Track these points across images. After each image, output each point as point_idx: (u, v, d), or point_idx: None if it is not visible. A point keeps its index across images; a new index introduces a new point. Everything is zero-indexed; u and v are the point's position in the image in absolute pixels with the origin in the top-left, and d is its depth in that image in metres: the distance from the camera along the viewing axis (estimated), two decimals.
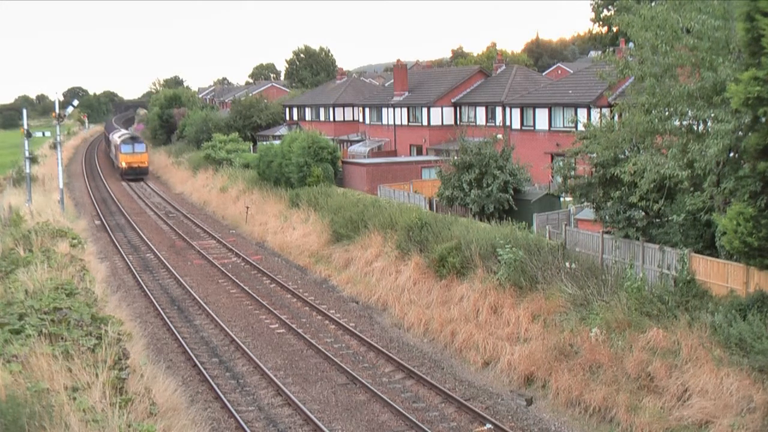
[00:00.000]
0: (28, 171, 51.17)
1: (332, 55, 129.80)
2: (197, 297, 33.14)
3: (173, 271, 38.22)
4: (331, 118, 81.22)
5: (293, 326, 28.67)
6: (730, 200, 22.20)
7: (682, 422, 18.14)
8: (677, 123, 24.42)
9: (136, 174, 80.00)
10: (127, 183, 77.84)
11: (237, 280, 35.80)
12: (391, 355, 25.39)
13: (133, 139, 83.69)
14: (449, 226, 31.96)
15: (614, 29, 67.09)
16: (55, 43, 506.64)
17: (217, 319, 29.78)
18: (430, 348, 26.49)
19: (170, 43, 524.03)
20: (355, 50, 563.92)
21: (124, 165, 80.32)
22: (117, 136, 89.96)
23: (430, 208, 41.03)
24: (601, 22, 74.34)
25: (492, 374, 23.64)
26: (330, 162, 51.49)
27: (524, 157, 42.98)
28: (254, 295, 33.13)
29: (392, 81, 74.21)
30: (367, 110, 74.05)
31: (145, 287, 35.07)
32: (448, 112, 64.25)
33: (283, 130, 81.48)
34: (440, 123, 64.18)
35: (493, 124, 57.64)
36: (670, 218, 24.59)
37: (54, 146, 60.52)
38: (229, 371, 24.59)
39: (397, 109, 68.34)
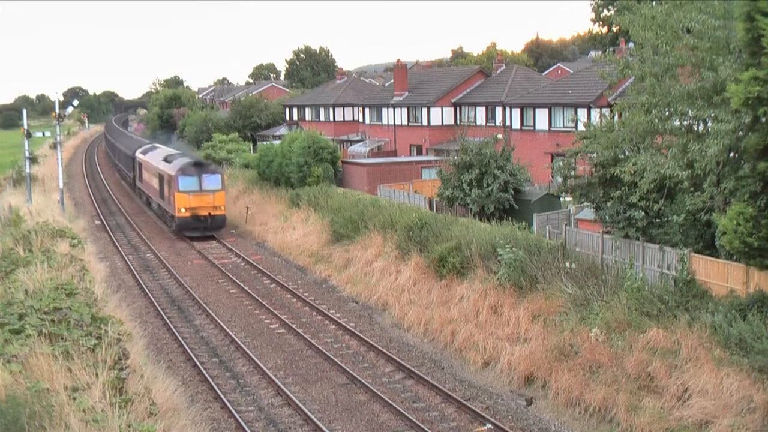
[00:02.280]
0: (28, 171, 51.20)
1: (332, 55, 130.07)
2: (197, 297, 33.13)
3: (173, 271, 38.21)
4: (331, 118, 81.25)
5: (293, 326, 28.66)
6: (730, 200, 22.19)
7: (682, 422, 18.13)
8: (677, 123, 24.43)
9: (206, 228, 45.96)
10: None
11: (237, 280, 35.79)
12: (391, 355, 25.38)
13: (199, 167, 46.68)
14: (449, 226, 31.96)
15: (614, 29, 67.20)
16: (55, 43, 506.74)
17: (217, 319, 29.78)
18: (430, 348, 26.48)
19: (170, 43, 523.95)
20: (355, 50, 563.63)
21: (183, 212, 45.37)
22: (161, 158, 52.69)
23: (430, 208, 41.03)
24: (601, 22, 74.47)
25: (492, 374, 23.64)
26: (330, 162, 51.51)
27: (524, 157, 43.01)
28: (254, 295, 33.12)
29: (392, 81, 74.25)
30: (367, 110, 74.06)
31: (145, 287, 35.06)
32: (448, 112, 64.27)
33: (283, 130, 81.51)
34: (440, 123, 64.20)
35: (493, 124, 57.65)
36: (670, 218, 24.59)
37: (54, 146, 60.54)
38: (229, 371, 24.58)
39: (397, 109, 68.35)
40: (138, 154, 62.20)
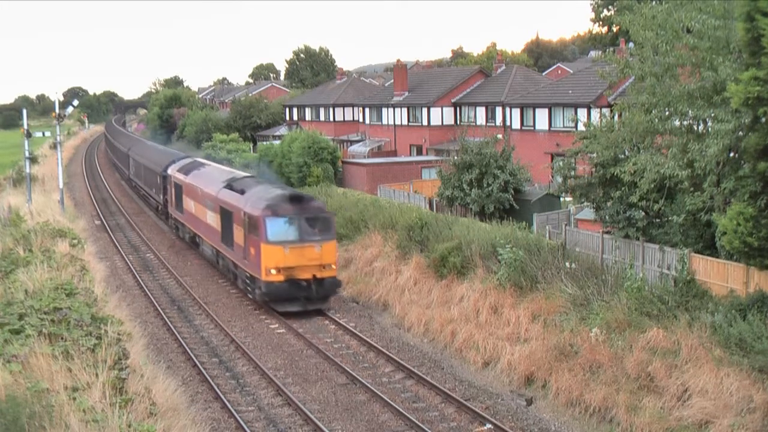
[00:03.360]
0: (28, 171, 51.14)
1: (332, 55, 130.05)
2: (197, 297, 33.11)
3: (173, 271, 38.20)
4: (331, 118, 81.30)
5: (293, 326, 28.65)
6: (730, 200, 22.22)
7: (682, 422, 18.13)
8: (677, 123, 24.47)
9: (309, 298, 29.77)
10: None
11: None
12: (391, 355, 25.38)
13: (298, 203, 30.45)
14: (450, 225, 31.99)
15: (614, 29, 67.28)
16: (55, 43, 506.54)
17: (216, 319, 29.77)
18: (430, 348, 26.48)
19: (170, 43, 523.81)
20: (355, 50, 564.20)
21: (274, 273, 29.27)
22: (222, 183, 36.19)
23: (430, 208, 41.06)
24: (601, 22, 74.60)
25: (492, 374, 23.63)
26: (330, 162, 51.60)
27: (524, 157, 43.04)
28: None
29: (392, 81, 74.31)
30: (367, 110, 74.10)
31: (144, 287, 35.05)
32: (448, 112, 64.32)
33: (283, 130, 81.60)
34: (440, 123, 64.26)
35: (493, 124, 57.71)
36: (670, 218, 24.62)
37: (54, 146, 60.51)
38: (229, 371, 24.58)
39: (397, 109, 68.39)
40: (174, 173, 45.32)
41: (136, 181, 64.57)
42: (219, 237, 35.15)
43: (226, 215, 33.60)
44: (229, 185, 35.12)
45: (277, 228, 29.32)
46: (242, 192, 32.95)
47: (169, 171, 47.15)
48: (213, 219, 36.00)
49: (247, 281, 31.53)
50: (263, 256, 29.22)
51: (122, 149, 77.17)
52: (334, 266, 29.99)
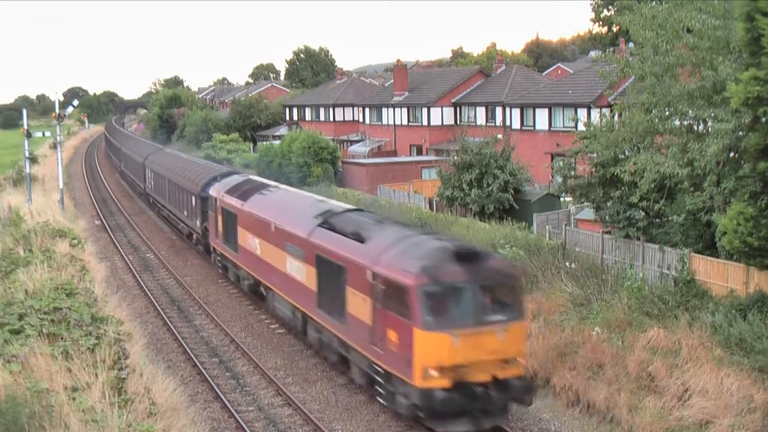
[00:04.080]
0: (28, 171, 51.15)
1: (332, 55, 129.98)
2: (197, 297, 33.10)
3: (173, 271, 38.18)
4: (331, 118, 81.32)
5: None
6: (730, 200, 22.22)
7: (683, 422, 18.13)
8: (677, 123, 24.48)
9: (487, 411, 18.27)
10: None
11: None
12: None
13: (470, 263, 18.34)
14: (449, 225, 31.98)
15: (614, 29, 67.28)
16: (55, 43, 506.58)
17: (216, 319, 29.76)
18: None
19: (170, 43, 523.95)
20: (355, 50, 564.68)
21: (434, 375, 17.73)
22: (314, 219, 24.28)
23: (430, 208, 41.06)
24: (601, 22, 74.60)
25: None
26: (330, 162, 51.63)
27: (524, 157, 43.06)
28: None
29: (392, 81, 74.34)
30: (367, 110, 74.12)
31: (144, 287, 35.03)
32: (448, 112, 64.35)
33: (283, 130, 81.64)
34: (440, 123, 64.28)
35: (493, 124, 57.72)
36: (670, 218, 24.62)
37: (54, 146, 60.53)
38: (229, 371, 24.57)
39: (397, 109, 68.41)
40: (222, 196, 34.12)
41: (156, 198, 53.21)
42: (312, 299, 23.90)
43: (330, 270, 22.44)
44: (329, 224, 23.69)
45: (442, 304, 18.37)
46: (360, 238, 21.49)
47: (212, 192, 35.88)
48: (299, 270, 24.85)
49: (380, 379, 20.10)
50: (417, 348, 18.18)
51: (136, 158, 63.61)
52: (521, 359, 19.14)
